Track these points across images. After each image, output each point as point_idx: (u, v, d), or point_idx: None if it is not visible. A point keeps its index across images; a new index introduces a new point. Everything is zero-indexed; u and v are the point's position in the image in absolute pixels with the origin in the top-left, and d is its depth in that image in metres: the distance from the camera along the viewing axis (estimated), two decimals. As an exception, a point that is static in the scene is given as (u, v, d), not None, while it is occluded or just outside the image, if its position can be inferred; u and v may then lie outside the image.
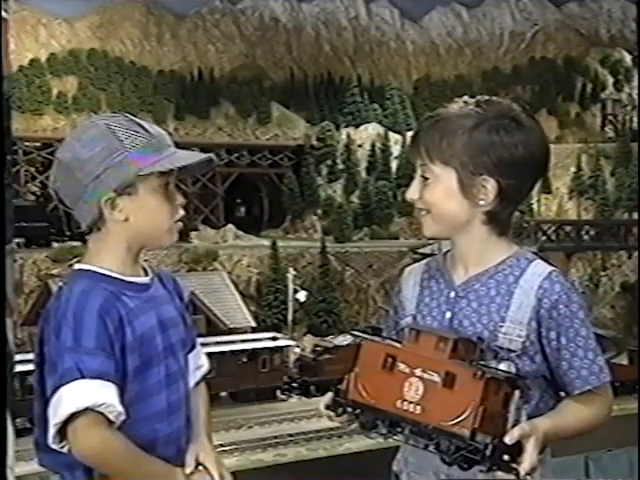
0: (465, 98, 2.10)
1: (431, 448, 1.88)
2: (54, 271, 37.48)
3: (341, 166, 61.79)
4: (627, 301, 44.94)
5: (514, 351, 1.99)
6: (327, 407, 2.04)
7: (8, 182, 2.12)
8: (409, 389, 1.89)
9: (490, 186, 2.01)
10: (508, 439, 1.85)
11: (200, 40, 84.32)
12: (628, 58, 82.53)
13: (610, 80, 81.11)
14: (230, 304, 34.93)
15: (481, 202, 2.03)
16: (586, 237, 47.30)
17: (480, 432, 1.82)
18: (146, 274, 2.17)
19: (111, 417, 1.96)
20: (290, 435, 25.97)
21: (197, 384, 2.28)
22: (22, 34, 71.43)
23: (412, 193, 2.09)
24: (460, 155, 2.02)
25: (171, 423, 2.11)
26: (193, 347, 2.27)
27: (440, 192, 2.05)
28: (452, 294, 2.10)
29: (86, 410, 1.93)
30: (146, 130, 2.08)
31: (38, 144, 54.79)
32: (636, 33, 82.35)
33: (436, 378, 1.87)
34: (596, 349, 2.05)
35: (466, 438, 1.82)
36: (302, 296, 38.39)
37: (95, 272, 2.07)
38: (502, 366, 1.96)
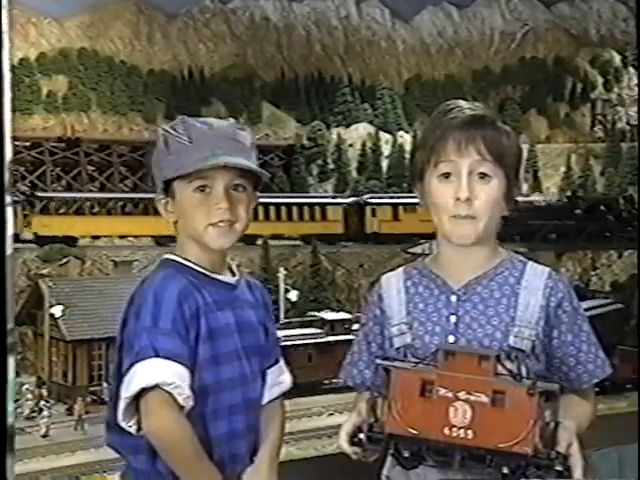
0: (475, 102, 2.05)
1: (488, 473, 1.78)
2: (44, 271, 37.32)
3: (332, 166, 61.84)
4: (617, 300, 45.02)
5: (524, 351, 1.97)
6: (352, 443, 1.92)
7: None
8: (455, 414, 1.78)
9: (519, 191, 2.02)
10: (563, 448, 1.79)
11: (191, 39, 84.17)
12: (617, 58, 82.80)
13: (600, 80, 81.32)
14: (221, 304, 34.96)
15: (510, 208, 2.02)
16: (576, 236, 47.31)
17: (540, 448, 1.76)
18: (233, 275, 2.20)
19: (180, 400, 1.97)
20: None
21: (272, 401, 2.25)
22: (11, 33, 71.24)
23: (466, 191, 1.96)
24: (510, 157, 2.00)
25: (232, 423, 2.12)
26: (276, 362, 2.28)
27: (497, 193, 1.99)
28: (453, 298, 2.04)
29: (157, 388, 1.95)
30: (189, 135, 2.08)
31: (28, 143, 54.62)
32: (635, 33, 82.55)
33: (484, 399, 1.77)
34: (597, 342, 2.06)
35: (529, 456, 1.75)
36: (293, 296, 38.32)
37: (179, 262, 2.12)
38: (512, 367, 1.91)
